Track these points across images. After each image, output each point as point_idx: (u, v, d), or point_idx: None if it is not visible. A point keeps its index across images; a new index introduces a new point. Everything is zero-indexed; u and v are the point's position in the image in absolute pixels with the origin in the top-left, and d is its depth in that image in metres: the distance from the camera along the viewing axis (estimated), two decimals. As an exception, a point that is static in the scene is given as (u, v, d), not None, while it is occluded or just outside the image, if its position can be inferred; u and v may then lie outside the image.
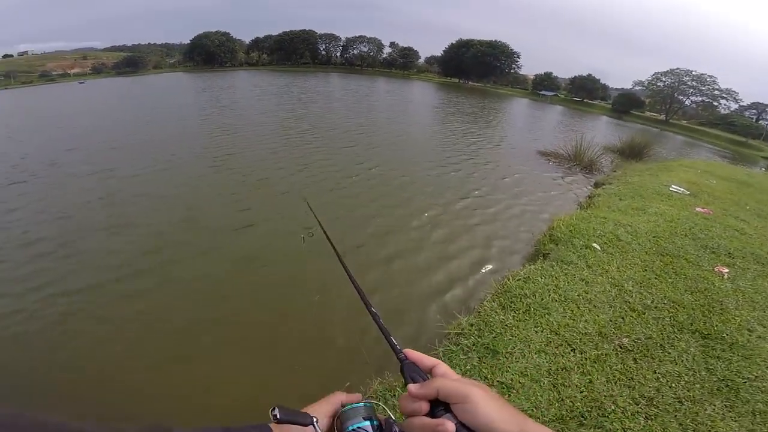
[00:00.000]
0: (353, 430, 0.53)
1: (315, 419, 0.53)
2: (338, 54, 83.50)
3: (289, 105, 21.44)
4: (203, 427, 0.43)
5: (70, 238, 5.82)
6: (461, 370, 2.74)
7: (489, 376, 2.66)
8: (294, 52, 78.29)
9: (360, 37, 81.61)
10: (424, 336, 3.63)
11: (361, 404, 0.56)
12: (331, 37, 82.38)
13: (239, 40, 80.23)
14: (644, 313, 3.45)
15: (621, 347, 3.00)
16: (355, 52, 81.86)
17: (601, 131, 23.66)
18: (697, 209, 7.15)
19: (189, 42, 77.33)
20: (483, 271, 5.08)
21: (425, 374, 0.55)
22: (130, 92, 32.48)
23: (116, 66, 76.47)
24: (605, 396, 2.51)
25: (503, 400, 0.49)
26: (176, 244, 5.67)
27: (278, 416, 0.49)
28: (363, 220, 6.53)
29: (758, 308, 3.79)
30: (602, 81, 65.87)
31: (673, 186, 8.80)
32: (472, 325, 3.25)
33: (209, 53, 73.45)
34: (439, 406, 0.49)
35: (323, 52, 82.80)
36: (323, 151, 11.16)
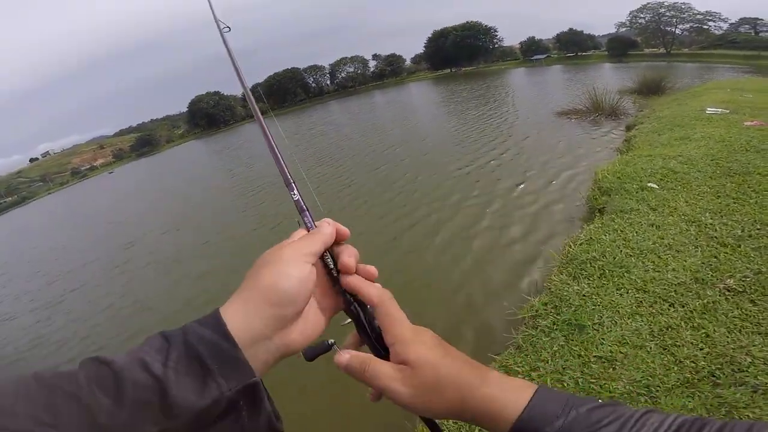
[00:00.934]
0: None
1: (333, 342, 0.46)
2: (328, 82, 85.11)
3: (306, 142, 21.48)
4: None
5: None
6: (547, 352, 2.48)
7: (583, 354, 2.38)
8: (286, 92, 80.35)
9: (342, 59, 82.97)
10: (498, 327, 3.34)
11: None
12: (316, 68, 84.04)
13: (231, 95, 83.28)
14: (739, 246, 3.01)
15: (729, 290, 2.59)
16: (343, 75, 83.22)
17: (609, 77, 22.53)
18: (746, 123, 6.56)
19: (186, 110, 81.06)
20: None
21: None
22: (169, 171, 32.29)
23: (133, 148, 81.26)
24: (733, 348, 2.14)
25: (442, 383, 0.40)
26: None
27: (307, 355, 0.45)
28: (424, 236, 5.84)
29: None
30: (586, 32, 64.08)
31: (708, 109, 8.16)
32: (546, 303, 2.96)
33: (209, 115, 76.52)
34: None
35: (313, 85, 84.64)
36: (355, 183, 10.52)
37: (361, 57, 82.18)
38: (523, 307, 3.12)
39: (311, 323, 0.43)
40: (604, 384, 2.15)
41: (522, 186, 6.76)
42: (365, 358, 0.42)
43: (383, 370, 0.41)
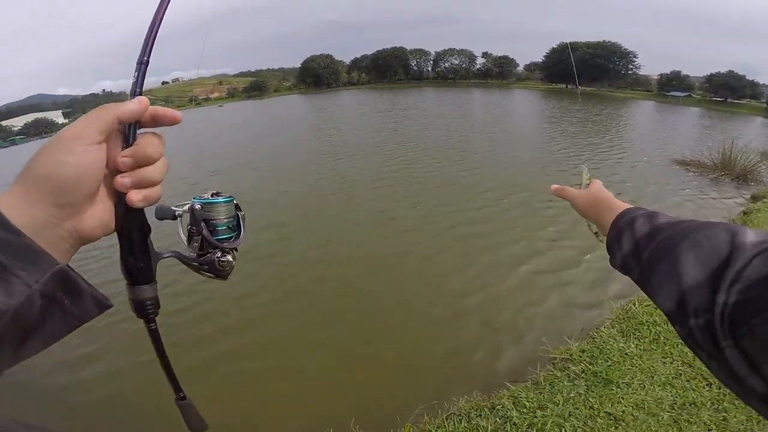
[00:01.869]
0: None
1: (180, 213, 0.47)
2: (429, 68, 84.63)
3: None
4: None
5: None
6: (562, 396, 2.47)
7: (596, 406, 2.39)
8: (388, 69, 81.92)
9: (449, 50, 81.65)
10: (526, 357, 3.25)
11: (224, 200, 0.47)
12: (421, 53, 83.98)
13: (340, 60, 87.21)
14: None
15: None
16: (447, 65, 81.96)
17: (756, 134, 19.09)
18: None
19: (299, 66, 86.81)
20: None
21: None
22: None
23: (245, 90, 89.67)
24: None
25: (595, 195, 0.79)
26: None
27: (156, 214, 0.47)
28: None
29: None
30: (749, 77, 54.19)
31: None
32: (583, 351, 2.90)
33: (317, 75, 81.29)
34: None
35: (415, 68, 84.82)
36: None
37: (470, 52, 79.98)
38: (559, 348, 3.03)
39: (108, 207, 0.39)
40: None
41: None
42: (564, 186, 0.84)
43: (572, 190, 0.82)
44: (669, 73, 60.81)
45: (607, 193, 0.75)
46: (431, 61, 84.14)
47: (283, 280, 4.95)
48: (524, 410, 2.39)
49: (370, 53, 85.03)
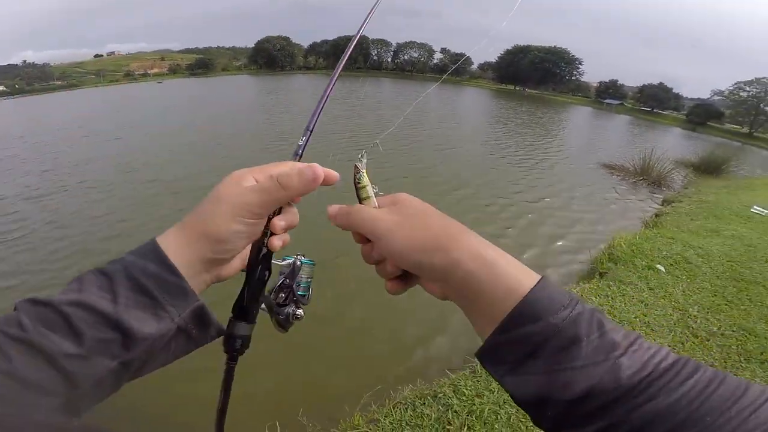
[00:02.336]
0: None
1: (280, 263, 0.51)
2: (389, 59, 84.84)
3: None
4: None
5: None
6: (497, 384, 2.52)
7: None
8: (348, 56, 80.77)
9: (410, 42, 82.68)
10: (464, 346, 3.49)
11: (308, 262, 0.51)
12: (383, 43, 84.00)
13: (298, 44, 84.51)
14: (708, 340, 3.21)
15: None
16: (406, 57, 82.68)
17: (672, 143, 21.73)
18: (785, 234, 6.42)
19: (253, 45, 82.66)
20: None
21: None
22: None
23: (189, 67, 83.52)
24: None
25: (425, 215, 0.40)
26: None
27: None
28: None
29: None
30: (675, 90, 60.90)
31: (755, 207, 7.94)
32: None
33: (271, 57, 77.92)
34: None
35: (375, 57, 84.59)
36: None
37: (429, 46, 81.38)
38: None
39: (243, 256, 0.45)
40: (530, 426, 2.24)
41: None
42: (350, 206, 0.43)
43: (369, 210, 0.42)
44: (607, 81, 66.32)
45: (449, 220, 0.40)
46: (391, 52, 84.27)
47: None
48: (464, 398, 2.49)
49: (331, 39, 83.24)
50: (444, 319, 3.94)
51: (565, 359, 0.31)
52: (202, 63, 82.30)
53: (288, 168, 0.41)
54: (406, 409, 2.45)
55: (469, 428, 2.26)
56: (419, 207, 0.41)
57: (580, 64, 66.43)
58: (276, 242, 0.44)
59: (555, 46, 66.10)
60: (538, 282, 0.34)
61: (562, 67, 65.47)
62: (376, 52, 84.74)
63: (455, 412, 2.38)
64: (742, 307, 3.73)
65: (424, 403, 2.49)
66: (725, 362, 2.98)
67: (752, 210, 7.75)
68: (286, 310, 0.48)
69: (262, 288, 0.45)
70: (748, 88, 52.71)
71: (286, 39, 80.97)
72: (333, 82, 0.52)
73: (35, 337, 0.31)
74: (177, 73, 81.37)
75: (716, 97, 56.26)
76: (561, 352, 0.31)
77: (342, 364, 3.44)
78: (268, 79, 49.77)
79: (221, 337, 0.44)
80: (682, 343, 3.14)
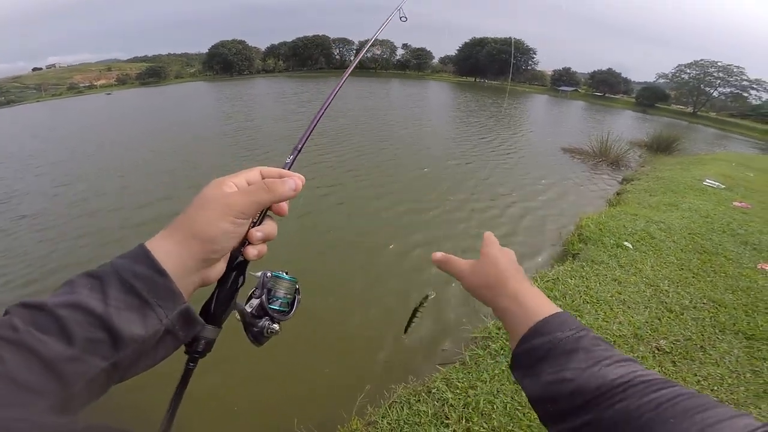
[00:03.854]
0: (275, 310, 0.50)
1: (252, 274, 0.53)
2: (352, 57, 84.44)
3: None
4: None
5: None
6: (488, 374, 2.61)
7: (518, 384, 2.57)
8: (309, 57, 79.81)
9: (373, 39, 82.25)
10: (449, 338, 3.52)
11: (287, 278, 0.52)
12: (345, 42, 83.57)
13: (255, 47, 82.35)
14: (682, 314, 3.28)
15: (658, 349, 2.86)
16: (369, 55, 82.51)
17: (625, 126, 22.80)
18: (735, 204, 6.82)
19: (207, 51, 79.69)
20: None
21: None
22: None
23: (140, 77, 79.43)
24: None
25: (491, 265, 0.56)
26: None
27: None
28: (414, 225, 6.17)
29: None
30: (623, 75, 64.26)
31: (707, 180, 8.42)
32: (499, 328, 3.11)
33: (227, 62, 75.39)
34: None
35: (337, 57, 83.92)
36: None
37: (392, 43, 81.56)
38: (478, 327, 3.26)
39: (225, 259, 0.47)
40: (527, 413, 2.30)
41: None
42: (447, 256, 0.61)
43: (456, 261, 0.60)
44: (561, 69, 68.98)
45: (509, 268, 0.55)
46: (354, 51, 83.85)
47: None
48: (458, 391, 2.48)
49: (290, 41, 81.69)
50: (432, 314, 3.87)
51: (564, 364, 0.41)
52: (153, 71, 78.40)
53: (256, 173, 0.47)
54: (402, 407, 2.44)
55: (467, 420, 2.25)
56: (491, 259, 0.56)
57: (535, 53, 68.74)
58: (251, 251, 0.47)
59: (510, 37, 68.13)
60: (555, 313, 0.47)
61: (518, 57, 67.42)
62: (338, 51, 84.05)
63: (451, 406, 2.37)
64: (708, 279, 3.87)
65: (419, 400, 2.47)
66: (702, 335, 3.04)
67: (704, 183, 8.21)
68: (260, 323, 0.49)
69: (233, 294, 0.48)
70: (688, 71, 56.49)
71: (242, 42, 78.52)
72: (329, 100, 0.68)
73: (28, 338, 0.32)
74: (127, 84, 77.26)
75: (661, 80, 59.93)
76: (562, 357, 0.42)
77: (330, 369, 3.30)
78: (226, 85, 47.90)
79: None
80: (659, 319, 3.19)
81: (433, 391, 2.52)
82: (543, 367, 0.42)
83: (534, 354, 0.44)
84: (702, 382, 2.58)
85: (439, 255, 0.62)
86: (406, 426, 2.29)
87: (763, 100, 52.72)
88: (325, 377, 3.22)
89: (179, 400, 0.47)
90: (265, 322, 0.49)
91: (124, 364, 0.36)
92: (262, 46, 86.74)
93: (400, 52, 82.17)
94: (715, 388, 2.54)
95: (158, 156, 11.78)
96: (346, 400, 2.74)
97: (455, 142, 13.56)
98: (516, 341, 0.47)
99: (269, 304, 0.49)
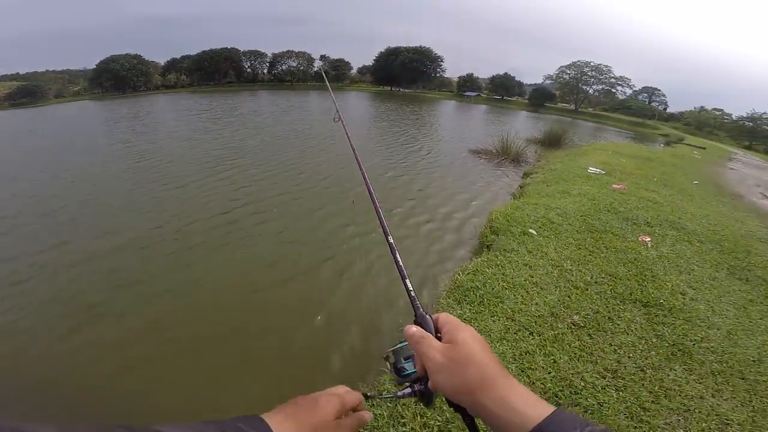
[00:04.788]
0: (401, 366, 0.66)
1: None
2: (265, 71, 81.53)
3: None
4: (186, 423, 0.42)
5: None
6: None
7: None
8: (216, 71, 75.03)
9: (288, 52, 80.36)
10: (388, 339, 3.51)
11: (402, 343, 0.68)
12: (257, 54, 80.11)
13: (153, 62, 75.13)
14: (587, 289, 3.65)
15: (574, 325, 3.12)
16: (284, 67, 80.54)
17: (522, 125, 25.61)
18: (614, 186, 7.94)
19: (94, 67, 70.56)
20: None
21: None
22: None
23: (9, 97, 67.13)
24: (572, 374, 2.59)
25: (469, 361, 0.49)
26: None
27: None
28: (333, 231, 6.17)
29: (683, 271, 4.20)
30: (518, 78, 71.87)
31: (590, 168, 9.71)
32: None
33: (119, 78, 67.53)
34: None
35: (248, 70, 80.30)
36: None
37: (309, 54, 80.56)
38: None
39: None
40: None
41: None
42: (426, 333, 0.55)
43: (434, 343, 0.53)
44: (465, 75, 74.74)
45: (489, 363, 0.49)
46: (267, 63, 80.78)
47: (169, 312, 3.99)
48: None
49: (194, 54, 75.98)
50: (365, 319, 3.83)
51: None
52: (27, 91, 66.83)
53: (342, 395, 0.60)
54: None
55: (421, 416, 2.29)
56: (466, 352, 0.49)
57: (442, 61, 73.44)
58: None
59: (421, 46, 71.69)
60: (550, 415, 0.42)
61: (428, 65, 71.40)
62: (249, 64, 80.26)
63: (404, 404, 2.37)
64: (602, 255, 4.41)
65: (373, 405, 2.41)
66: (607, 307, 3.38)
67: (589, 171, 9.46)
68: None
69: None
70: (568, 71, 65.22)
71: (138, 57, 70.93)
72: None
73: None
74: (-8, 106, 64.75)
75: (548, 81, 68.28)
76: None
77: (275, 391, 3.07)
78: (118, 104, 42.65)
79: None
80: (569, 296, 3.50)
81: (384, 392, 2.48)
82: None
83: None
84: (618, 351, 2.81)
85: (413, 329, 0.56)
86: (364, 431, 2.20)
87: (627, 94, 63.36)
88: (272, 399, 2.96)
89: None
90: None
91: None
92: (163, 60, 79.48)
93: (318, 63, 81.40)
94: (631, 355, 2.78)
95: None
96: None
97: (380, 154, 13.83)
98: None
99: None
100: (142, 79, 70.38)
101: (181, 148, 13.91)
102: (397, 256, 0.75)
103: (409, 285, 0.69)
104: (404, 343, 0.66)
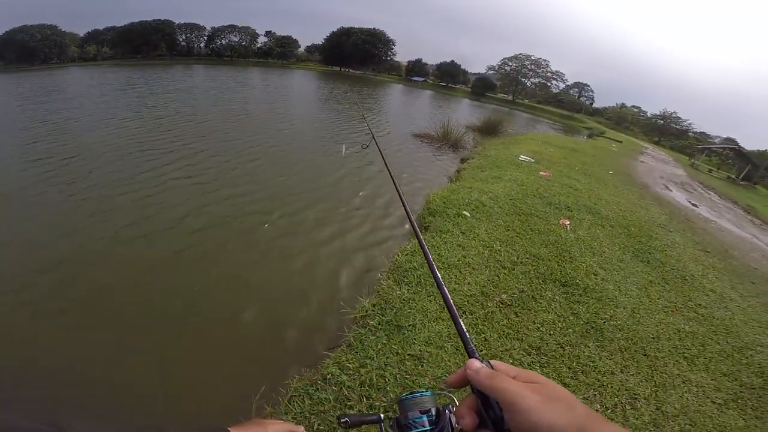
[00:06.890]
0: (412, 422, 0.56)
1: (382, 416, 0.68)
2: (202, 45, 75.04)
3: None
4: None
5: None
6: (373, 350, 2.72)
7: (400, 351, 2.72)
8: (145, 43, 67.66)
9: (230, 26, 74.41)
10: (332, 325, 3.47)
11: (422, 394, 0.58)
12: (194, 27, 73.01)
13: (71, 33, 65.89)
14: (513, 269, 3.92)
15: (502, 303, 3.32)
16: (224, 42, 74.74)
17: (463, 112, 26.61)
18: (540, 173, 8.71)
19: (-1, 37, 60.18)
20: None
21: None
22: None
23: None
24: (502, 351, 2.77)
25: (568, 401, 0.43)
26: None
27: (348, 421, 0.65)
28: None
29: (596, 254, 4.67)
30: (463, 67, 73.62)
31: (521, 156, 10.51)
32: (374, 305, 3.24)
33: (27, 49, 58.41)
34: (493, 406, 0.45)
35: (183, 43, 73.40)
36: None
37: (253, 29, 75.27)
38: (356, 308, 3.29)
39: None
40: (415, 380, 2.48)
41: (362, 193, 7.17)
42: (496, 371, 0.47)
43: (514, 381, 0.45)
44: (414, 60, 75.02)
45: (587, 409, 0.44)
46: (205, 37, 74.19)
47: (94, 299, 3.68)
48: (351, 372, 2.53)
49: (121, 25, 67.68)
50: (311, 302, 3.82)
51: None
52: None
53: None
54: (302, 400, 2.38)
55: (367, 398, 2.33)
56: (564, 394, 0.44)
57: (394, 45, 72.79)
58: None
59: (374, 28, 70.18)
60: None
61: (380, 48, 70.39)
62: (184, 37, 73.18)
63: (349, 387, 2.41)
64: (527, 236, 4.85)
65: (318, 389, 2.44)
66: (531, 286, 3.64)
67: (520, 158, 10.25)
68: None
69: None
70: (510, 63, 68.17)
71: (52, 27, 61.62)
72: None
73: None
74: None
75: (490, 72, 70.92)
76: None
77: (216, 378, 2.99)
78: (21, 77, 36.65)
79: None
80: (498, 276, 3.78)
81: (329, 377, 2.54)
82: None
83: None
84: (541, 329, 3.03)
85: (478, 364, 0.48)
86: (312, 416, 2.27)
87: (561, 89, 68.03)
88: (213, 388, 2.91)
89: None
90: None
91: None
92: (83, 30, 69.81)
93: (262, 39, 76.58)
94: (551, 332, 2.99)
95: None
96: (241, 406, 2.54)
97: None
98: None
99: None
100: (56, 50, 61.54)
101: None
102: (445, 289, 0.67)
103: (462, 325, 0.61)
104: (424, 394, 0.58)
